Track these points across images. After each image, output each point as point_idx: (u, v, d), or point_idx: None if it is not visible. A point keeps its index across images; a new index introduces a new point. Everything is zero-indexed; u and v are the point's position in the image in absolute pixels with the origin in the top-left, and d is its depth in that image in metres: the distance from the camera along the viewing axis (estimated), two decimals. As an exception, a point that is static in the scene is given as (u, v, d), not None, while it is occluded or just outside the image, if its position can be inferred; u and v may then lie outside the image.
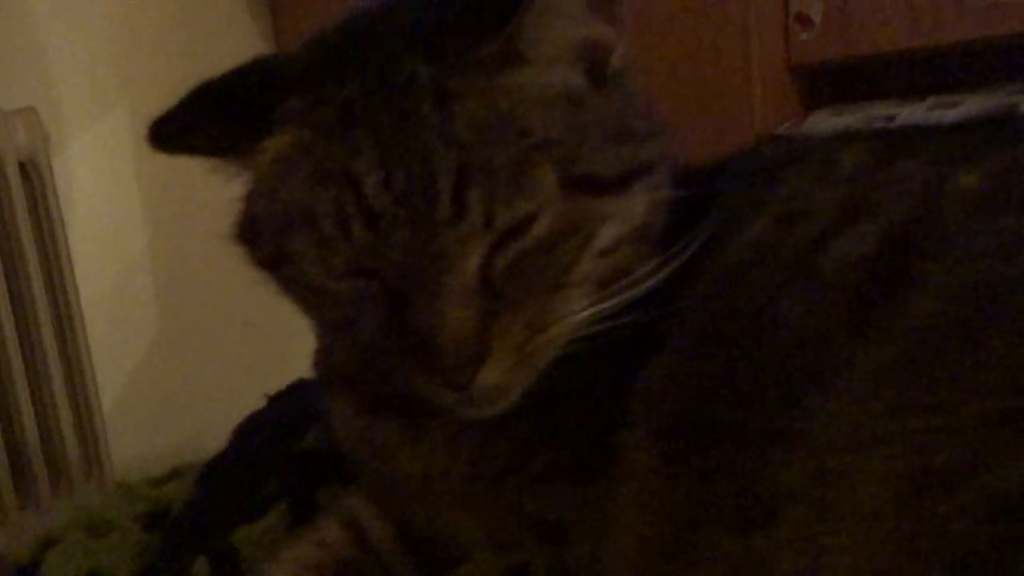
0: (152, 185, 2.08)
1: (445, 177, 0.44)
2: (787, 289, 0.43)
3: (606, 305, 0.49)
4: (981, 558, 0.29)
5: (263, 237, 0.50)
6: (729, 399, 0.42)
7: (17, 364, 1.78)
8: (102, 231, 2.05)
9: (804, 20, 1.77)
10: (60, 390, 1.85)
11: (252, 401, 0.79)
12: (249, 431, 0.71)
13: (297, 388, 0.75)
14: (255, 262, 0.52)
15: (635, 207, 0.50)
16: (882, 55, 1.68)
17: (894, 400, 0.34)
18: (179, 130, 0.49)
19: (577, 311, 0.49)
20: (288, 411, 0.72)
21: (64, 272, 1.91)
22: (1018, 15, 1.55)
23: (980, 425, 0.31)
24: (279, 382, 0.81)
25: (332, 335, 0.57)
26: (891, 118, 1.53)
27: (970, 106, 1.50)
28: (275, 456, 0.68)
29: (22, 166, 1.82)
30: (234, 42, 2.16)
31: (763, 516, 0.37)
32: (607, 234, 0.48)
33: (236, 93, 0.50)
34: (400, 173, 0.45)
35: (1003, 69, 1.72)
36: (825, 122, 1.66)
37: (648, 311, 0.48)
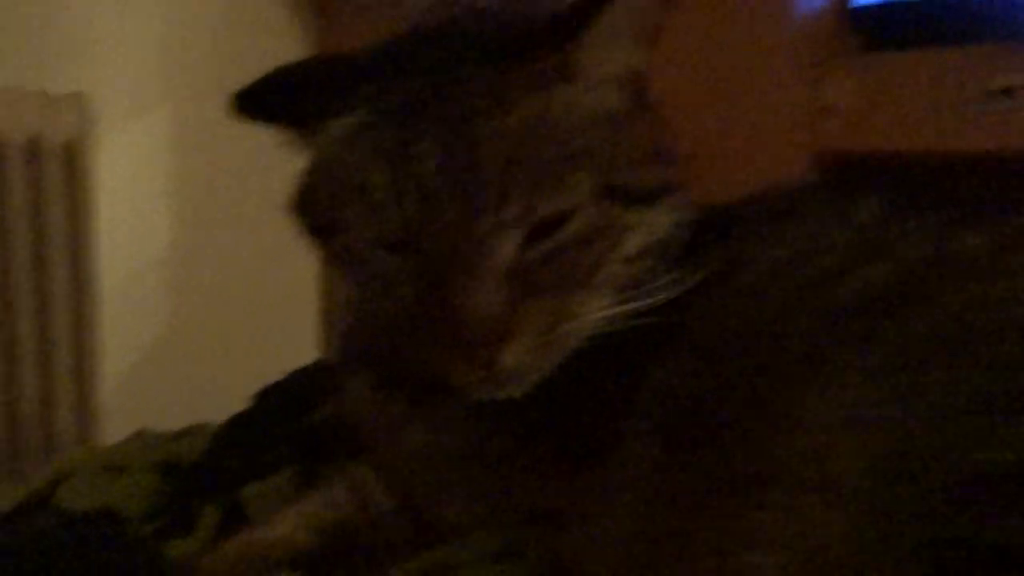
0: (183, 184, 2.13)
1: (493, 167, 0.49)
2: (801, 307, 0.47)
3: (625, 308, 0.54)
4: (945, 533, 0.33)
5: (319, 207, 0.55)
6: (733, 394, 0.46)
7: (29, 340, 1.81)
8: (129, 221, 2.11)
9: (831, 110, 1.82)
10: (65, 369, 1.88)
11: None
12: (268, 397, 0.75)
13: (315, 366, 0.79)
14: (309, 230, 0.57)
15: (660, 222, 0.55)
16: (903, 153, 1.73)
17: (882, 393, 0.39)
18: (259, 101, 0.54)
19: (597, 309, 0.53)
20: (305, 385, 0.76)
21: (88, 256, 1.96)
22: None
23: (953, 416, 0.35)
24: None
25: (365, 308, 0.61)
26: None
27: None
28: (289, 424, 0.71)
29: (64, 148, 1.88)
30: (280, 50, 2.24)
31: (752, 496, 0.41)
32: (632, 243, 0.53)
33: (312, 76, 0.55)
34: (455, 158, 0.50)
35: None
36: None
37: (662, 317, 0.53)
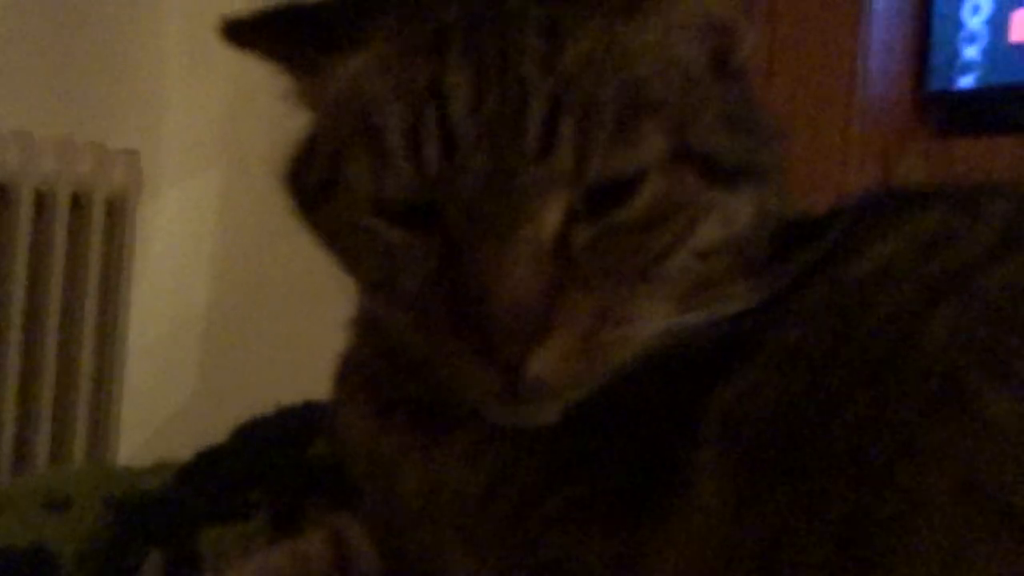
0: (225, 251, 2.08)
1: (538, 103, 0.38)
2: (939, 307, 0.35)
3: (691, 318, 0.41)
4: None
5: (315, 164, 0.45)
6: (844, 417, 0.33)
7: (47, 394, 1.75)
8: (167, 283, 2.05)
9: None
10: (82, 434, 1.81)
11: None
12: (249, 432, 0.63)
13: (311, 404, 0.67)
14: (300, 202, 0.46)
15: (740, 211, 0.43)
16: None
17: None
18: (258, 25, 0.45)
19: (659, 315, 0.41)
20: (296, 420, 0.64)
21: (119, 316, 1.91)
22: None
23: None
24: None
25: (368, 312, 0.50)
26: None
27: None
28: (270, 463, 0.59)
29: (110, 204, 1.85)
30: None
31: (882, 546, 0.27)
32: (707, 231, 0.42)
33: (328, 8, 0.46)
34: (493, 97, 0.39)
35: None
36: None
37: (738, 328, 0.41)
